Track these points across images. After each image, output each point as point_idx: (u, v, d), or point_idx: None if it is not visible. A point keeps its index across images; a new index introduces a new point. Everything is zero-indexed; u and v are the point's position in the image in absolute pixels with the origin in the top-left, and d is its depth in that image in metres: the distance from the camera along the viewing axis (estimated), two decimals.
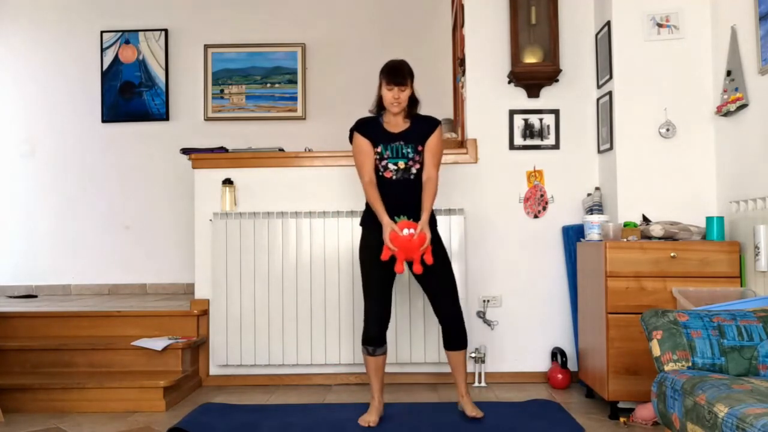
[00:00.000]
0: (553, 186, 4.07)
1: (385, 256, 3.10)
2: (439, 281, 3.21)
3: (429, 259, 3.10)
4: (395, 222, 3.10)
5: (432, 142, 3.22)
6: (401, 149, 3.19)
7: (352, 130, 3.26)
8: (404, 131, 3.22)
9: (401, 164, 3.18)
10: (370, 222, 3.25)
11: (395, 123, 3.24)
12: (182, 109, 5.80)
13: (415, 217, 3.13)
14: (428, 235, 3.09)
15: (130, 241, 5.73)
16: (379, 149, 3.19)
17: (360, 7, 5.78)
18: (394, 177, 3.18)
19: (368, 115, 3.31)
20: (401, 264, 3.08)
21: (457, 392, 3.31)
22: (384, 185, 3.18)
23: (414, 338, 3.92)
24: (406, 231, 3.06)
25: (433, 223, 3.22)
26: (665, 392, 2.27)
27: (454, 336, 3.23)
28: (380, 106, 3.26)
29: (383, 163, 3.19)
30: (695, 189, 3.62)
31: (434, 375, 4.01)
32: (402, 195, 3.19)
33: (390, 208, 3.15)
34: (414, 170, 3.19)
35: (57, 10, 5.87)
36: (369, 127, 3.24)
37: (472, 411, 3.20)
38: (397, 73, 3.17)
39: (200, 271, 4.09)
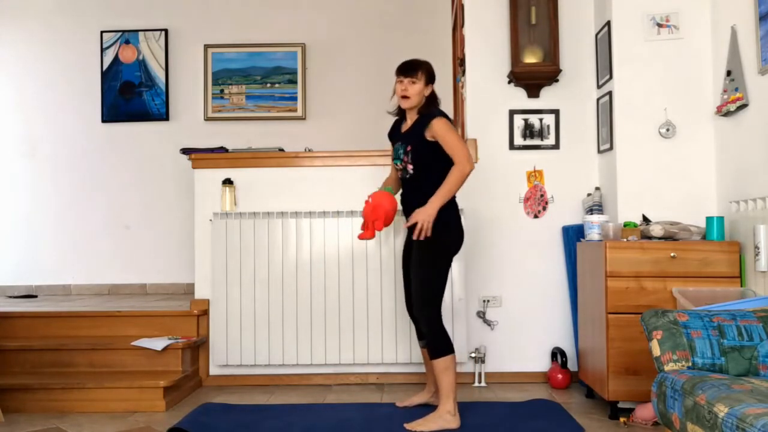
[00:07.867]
0: (553, 186, 4.07)
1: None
2: (412, 281, 3.18)
3: (379, 226, 3.11)
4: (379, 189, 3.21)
5: (431, 135, 3.05)
6: (398, 150, 3.20)
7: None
8: (406, 131, 3.20)
9: (399, 165, 3.19)
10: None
11: (407, 123, 3.24)
12: (182, 109, 5.80)
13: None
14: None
15: (130, 241, 5.73)
16: (393, 149, 3.28)
17: (360, 7, 5.78)
18: (401, 176, 3.22)
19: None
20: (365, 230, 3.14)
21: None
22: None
23: (413, 338, 3.92)
24: (369, 199, 3.15)
25: (437, 219, 3.01)
26: (665, 392, 2.27)
27: (423, 338, 3.18)
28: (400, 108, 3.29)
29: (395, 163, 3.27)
30: (695, 189, 3.62)
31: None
32: (406, 195, 3.22)
33: (402, 206, 3.24)
34: (410, 170, 3.13)
35: (57, 10, 5.87)
36: (393, 128, 3.33)
37: (412, 424, 3.00)
38: (406, 65, 3.15)
39: (200, 271, 4.09)
